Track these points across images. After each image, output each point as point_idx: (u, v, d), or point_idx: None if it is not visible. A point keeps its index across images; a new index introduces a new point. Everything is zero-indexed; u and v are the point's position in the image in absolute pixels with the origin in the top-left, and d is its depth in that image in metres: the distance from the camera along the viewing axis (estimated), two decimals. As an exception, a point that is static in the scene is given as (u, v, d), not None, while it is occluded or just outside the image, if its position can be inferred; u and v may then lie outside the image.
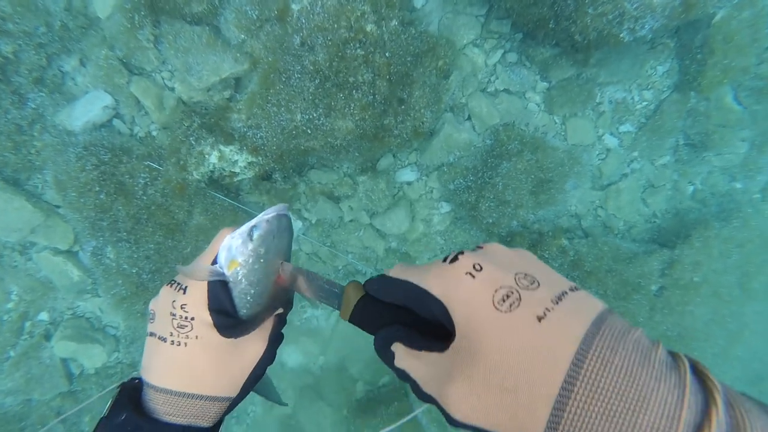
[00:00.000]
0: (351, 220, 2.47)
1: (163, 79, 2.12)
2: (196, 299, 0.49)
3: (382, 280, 0.42)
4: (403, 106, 1.88)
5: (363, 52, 1.59)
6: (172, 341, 0.48)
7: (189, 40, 1.85)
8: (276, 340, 0.56)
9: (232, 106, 2.01)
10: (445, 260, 0.37)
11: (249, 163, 1.94)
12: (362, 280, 0.49)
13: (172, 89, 2.13)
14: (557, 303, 0.32)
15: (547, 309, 0.31)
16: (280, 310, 0.56)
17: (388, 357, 0.40)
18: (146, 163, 2.19)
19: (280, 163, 1.97)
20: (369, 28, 1.60)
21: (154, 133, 2.25)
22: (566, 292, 0.33)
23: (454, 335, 0.34)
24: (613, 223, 2.46)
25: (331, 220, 2.48)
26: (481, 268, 0.35)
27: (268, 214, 0.51)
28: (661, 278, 2.18)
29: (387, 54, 1.63)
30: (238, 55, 1.84)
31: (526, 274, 0.34)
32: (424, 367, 0.36)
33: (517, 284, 0.33)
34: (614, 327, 0.30)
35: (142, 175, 2.21)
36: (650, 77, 2.35)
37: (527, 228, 2.31)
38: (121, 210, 2.24)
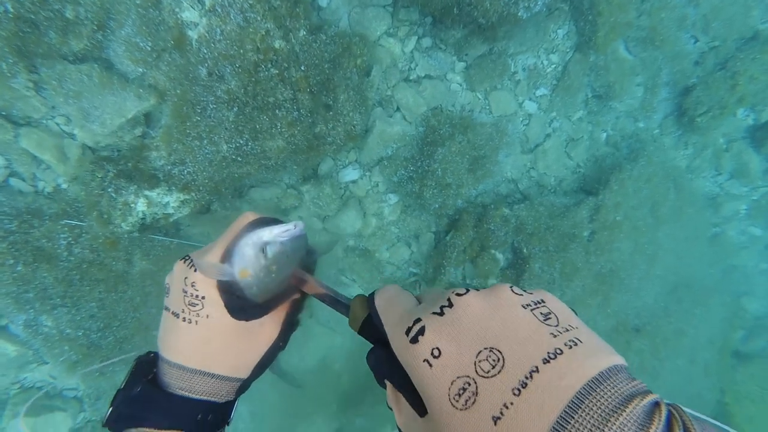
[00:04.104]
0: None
1: (58, 125, 1.89)
2: (207, 278, 0.49)
3: (372, 307, 0.41)
4: (331, 112, 1.86)
5: (277, 71, 1.53)
6: (184, 318, 0.49)
7: (77, 81, 1.65)
8: (290, 326, 0.55)
9: (148, 144, 1.85)
10: (407, 332, 0.34)
11: (182, 202, 1.83)
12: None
13: (73, 136, 1.91)
14: (519, 393, 0.27)
15: (505, 406, 0.27)
16: (297, 295, 0.55)
17: (379, 380, 0.40)
18: (64, 222, 1.98)
19: (217, 194, 1.88)
20: (277, 44, 1.53)
21: (64, 186, 2.02)
22: (535, 370, 0.28)
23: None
24: (545, 181, 2.68)
25: (282, 234, 2.43)
26: (440, 354, 0.31)
27: (283, 236, 0.50)
28: (590, 224, 2.45)
29: (302, 67, 1.58)
30: (140, 90, 1.68)
31: (491, 350, 0.30)
32: (405, 419, 0.36)
33: (476, 370, 0.29)
34: (592, 413, 0.25)
35: (62, 235, 2.00)
36: (553, 41, 2.50)
37: (472, 203, 2.44)
38: (47, 276, 2.04)
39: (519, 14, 1.74)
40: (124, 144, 1.87)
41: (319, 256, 0.60)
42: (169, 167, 1.78)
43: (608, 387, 0.26)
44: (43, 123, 1.86)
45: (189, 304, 0.49)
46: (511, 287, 0.34)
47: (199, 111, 1.59)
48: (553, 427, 0.25)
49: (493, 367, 0.29)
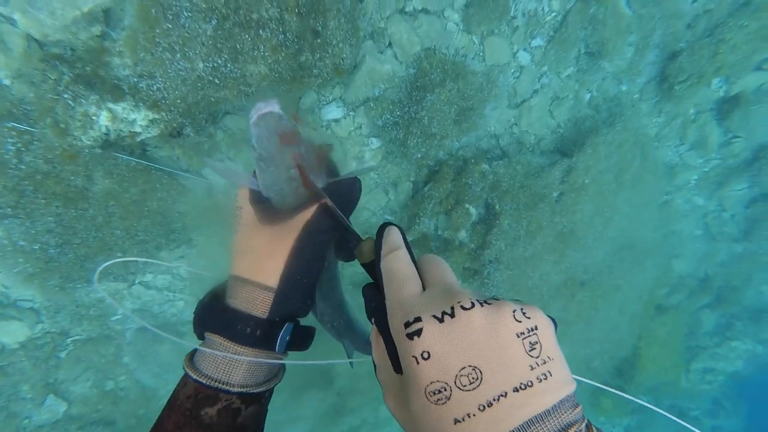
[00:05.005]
0: (280, 164, 2.36)
1: (-9, 5, 1.61)
2: (243, 190, 0.56)
3: (378, 260, 0.45)
4: (318, 40, 1.71)
5: (265, -17, 1.35)
6: (235, 229, 0.56)
7: (17, -41, 1.38)
8: (313, 226, 0.53)
9: (109, 48, 1.64)
10: (406, 325, 0.37)
11: (151, 121, 1.68)
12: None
13: (13, 21, 1.64)
14: (483, 409, 0.33)
15: (468, 415, 0.33)
16: (323, 201, 0.54)
17: (368, 316, 0.45)
18: (10, 125, 1.79)
19: (190, 117, 1.75)
20: (267, -52, 1.34)
21: (6, 82, 1.78)
22: (504, 395, 0.33)
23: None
24: (525, 139, 2.71)
25: (258, 166, 2.34)
26: (429, 357, 0.35)
27: (251, 117, 0.49)
28: (561, 185, 2.55)
29: (293, -17, 1.41)
30: (98, -19, 1.44)
31: (474, 368, 0.34)
32: (380, 362, 0.42)
33: (455, 382, 0.34)
34: None
35: (9, 140, 1.82)
36: (558, -14, 2.37)
37: (453, 155, 2.44)
38: (-7, 184, 1.89)
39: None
40: (79, 43, 1.64)
41: (358, 173, 0.60)
42: (135, 79, 1.60)
43: (555, 417, 0.34)
44: (-28, 4, 1.57)
45: (236, 216, 0.56)
46: (513, 312, 0.36)
47: (171, 17, 1.40)
48: None
49: (471, 384, 0.34)
